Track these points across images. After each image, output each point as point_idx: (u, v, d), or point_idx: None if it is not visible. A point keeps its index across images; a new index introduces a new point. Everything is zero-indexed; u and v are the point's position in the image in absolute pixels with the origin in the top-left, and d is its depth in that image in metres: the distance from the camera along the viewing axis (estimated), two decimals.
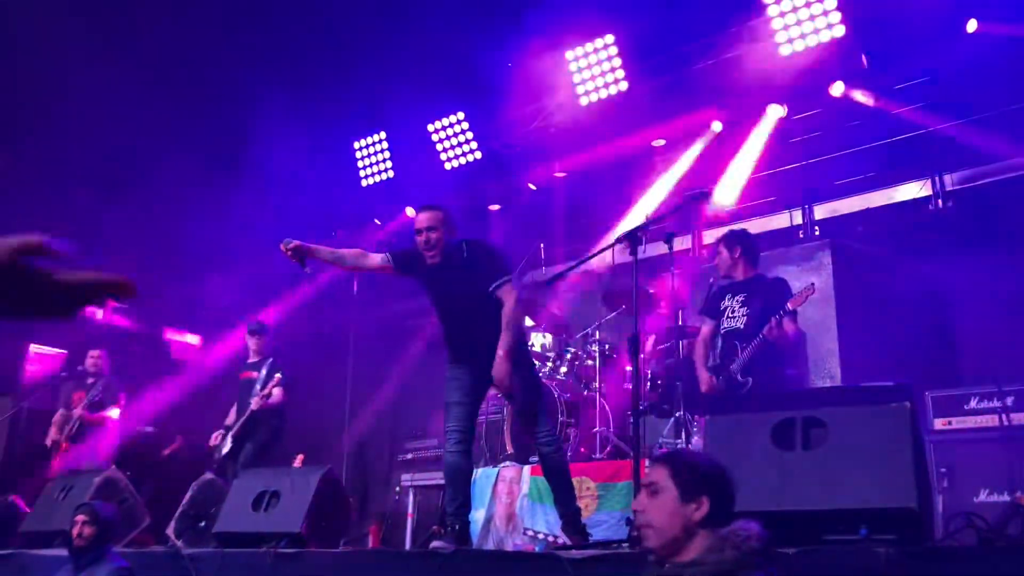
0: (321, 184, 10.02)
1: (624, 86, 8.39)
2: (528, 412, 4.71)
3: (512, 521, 6.24)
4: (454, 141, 9.58)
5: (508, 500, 6.34)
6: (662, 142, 8.81)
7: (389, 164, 10.11)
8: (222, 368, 7.70)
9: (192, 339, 9.33)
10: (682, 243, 8.63)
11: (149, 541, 6.16)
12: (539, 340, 7.48)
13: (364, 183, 10.24)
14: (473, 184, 9.72)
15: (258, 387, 6.90)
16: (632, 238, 4.55)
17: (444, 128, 9.60)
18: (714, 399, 5.38)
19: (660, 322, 7.49)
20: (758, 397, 5.05)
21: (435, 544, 4.37)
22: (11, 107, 8.93)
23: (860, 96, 7.75)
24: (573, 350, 7.30)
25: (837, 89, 7.79)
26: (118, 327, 10.68)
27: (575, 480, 4.98)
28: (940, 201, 7.42)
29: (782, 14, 7.40)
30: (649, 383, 6.87)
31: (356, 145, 10.27)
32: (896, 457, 3.27)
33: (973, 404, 5.72)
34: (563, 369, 7.18)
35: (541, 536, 5.93)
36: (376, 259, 4.87)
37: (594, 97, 8.53)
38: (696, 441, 6.13)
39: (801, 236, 8.15)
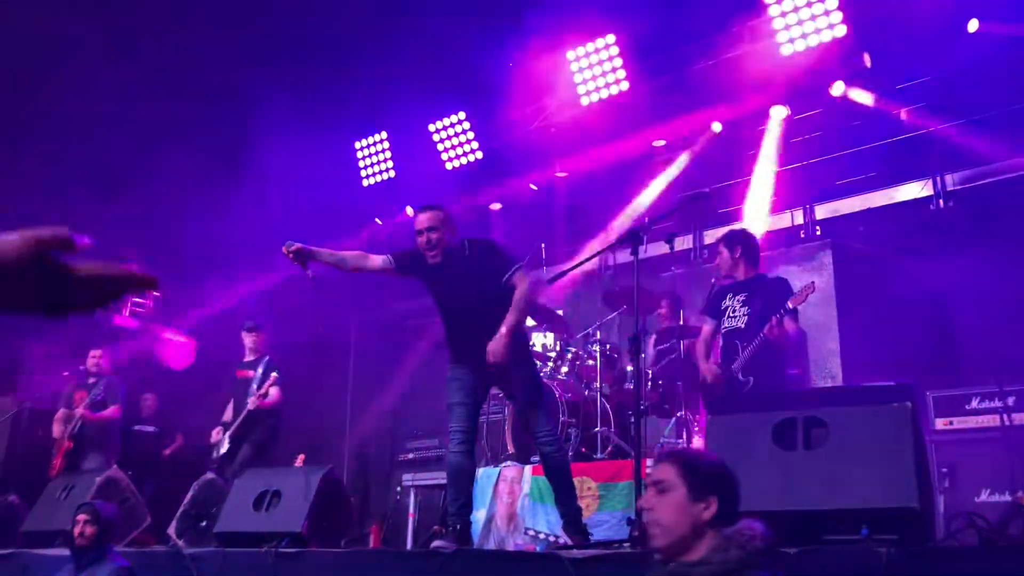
0: (322, 184, 10.03)
1: (625, 86, 8.39)
2: (529, 412, 4.70)
3: (513, 521, 6.24)
4: (455, 141, 9.59)
5: (509, 500, 6.34)
6: (662, 142, 8.81)
7: (390, 164, 10.12)
8: (221, 367, 7.68)
9: (180, 339, 9.31)
10: (683, 243, 8.65)
11: (150, 541, 6.17)
12: (540, 340, 7.48)
13: (365, 183, 10.25)
14: (474, 184, 9.72)
15: (254, 386, 6.88)
16: (633, 238, 4.55)
17: (445, 128, 9.60)
18: (715, 399, 5.38)
19: (661, 322, 7.50)
20: (759, 397, 5.05)
21: (436, 544, 4.37)
22: (11, 107, 8.94)
23: (861, 96, 7.75)
24: (574, 350, 7.30)
25: (838, 89, 7.79)
26: (118, 326, 10.70)
27: (576, 480, 4.98)
28: (941, 201, 7.42)
29: (783, 14, 7.40)
30: (650, 383, 6.87)
31: (357, 145, 10.28)
32: (897, 457, 3.27)
33: (974, 404, 5.73)
34: (564, 369, 7.18)
35: (542, 536, 5.93)
36: (377, 260, 4.86)
37: (595, 97, 8.54)
38: (697, 441, 6.13)
39: (802, 236, 8.15)
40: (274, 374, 6.84)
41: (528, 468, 6.33)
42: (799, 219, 8.23)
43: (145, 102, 8.98)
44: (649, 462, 5.28)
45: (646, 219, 7.14)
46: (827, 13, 7.27)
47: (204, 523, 5.93)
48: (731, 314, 5.52)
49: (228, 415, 7.03)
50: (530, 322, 7.42)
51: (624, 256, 8.71)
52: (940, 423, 5.81)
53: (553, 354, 7.32)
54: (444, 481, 5.21)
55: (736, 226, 6.41)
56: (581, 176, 9.39)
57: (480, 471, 6.38)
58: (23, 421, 8.85)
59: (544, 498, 5.98)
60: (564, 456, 4.94)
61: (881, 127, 7.73)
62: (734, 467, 2.44)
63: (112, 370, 8.04)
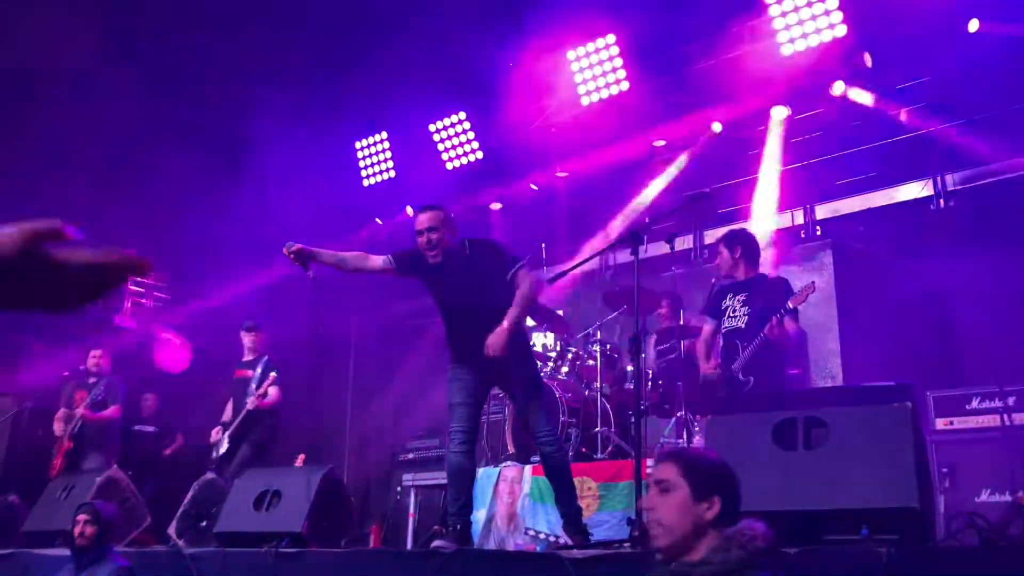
0: (322, 184, 10.03)
1: (625, 86, 8.39)
2: (530, 411, 4.70)
3: (513, 521, 6.24)
4: (455, 141, 9.60)
5: (509, 500, 6.34)
6: (663, 142, 8.81)
7: (390, 164, 10.12)
8: (221, 366, 7.68)
9: (177, 341, 9.31)
10: (684, 243, 8.65)
11: (150, 541, 6.16)
12: (540, 340, 7.48)
13: (365, 183, 10.25)
14: (474, 184, 9.72)
15: (253, 386, 6.87)
16: (634, 238, 4.55)
17: (445, 128, 9.61)
18: (715, 399, 5.38)
19: (661, 322, 7.50)
20: (759, 397, 5.05)
21: (436, 544, 4.37)
22: (12, 107, 8.93)
23: (861, 96, 7.75)
24: (574, 350, 7.30)
25: (838, 89, 7.79)
26: (118, 326, 10.69)
27: (576, 480, 4.98)
28: (942, 201, 7.42)
29: (783, 14, 7.40)
30: (650, 383, 6.87)
31: (357, 145, 10.28)
32: (897, 457, 3.27)
33: (975, 404, 5.73)
34: (564, 369, 7.18)
35: (542, 536, 5.93)
36: (378, 261, 4.86)
37: (595, 97, 8.54)
38: (697, 441, 6.13)
39: (803, 236, 8.15)
40: (273, 374, 6.83)
41: (528, 468, 6.33)
42: (799, 219, 8.23)
43: (146, 102, 8.98)
44: (649, 462, 5.28)
45: (646, 219, 7.13)
46: (827, 13, 7.27)
47: (204, 523, 5.93)
48: (731, 314, 5.52)
49: (227, 415, 7.03)
50: (530, 322, 7.42)
51: (624, 256, 8.71)
52: (940, 423, 5.81)
53: (553, 354, 7.32)
54: (444, 481, 5.21)
55: (736, 226, 6.41)
56: (581, 176, 9.38)
57: (480, 471, 6.37)
58: (23, 421, 8.84)
59: (544, 498, 5.98)
60: (565, 456, 4.94)
61: (881, 127, 7.73)
62: (734, 467, 2.44)
63: (112, 370, 8.04)
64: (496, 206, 9.97)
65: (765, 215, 8.13)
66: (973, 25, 6.86)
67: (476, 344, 4.66)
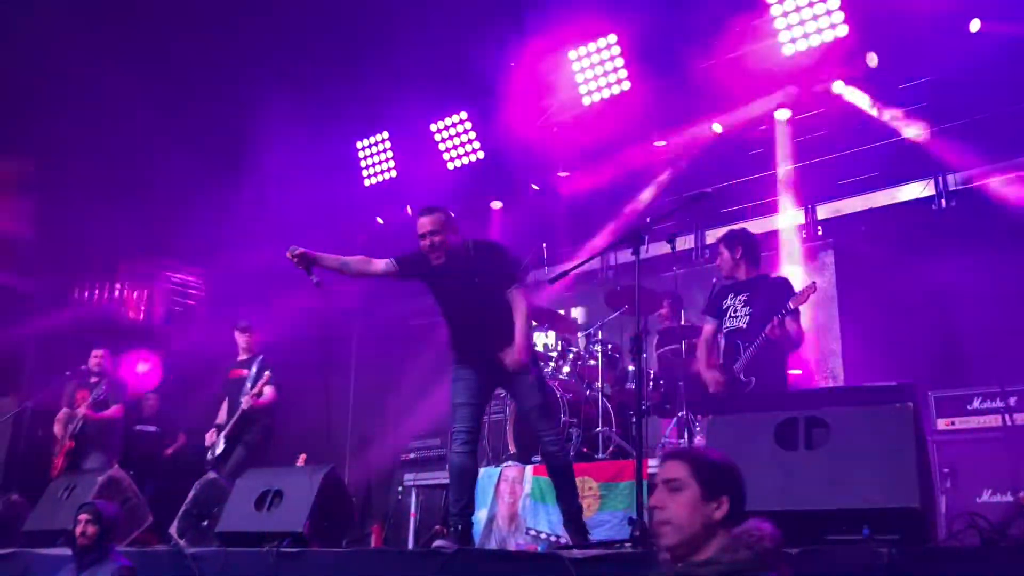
0: (323, 184, 10.03)
1: (627, 86, 8.39)
2: (534, 412, 4.70)
3: (515, 521, 6.24)
4: (456, 141, 9.59)
5: (511, 500, 6.34)
6: (664, 142, 8.80)
7: (392, 164, 10.12)
8: (219, 366, 7.69)
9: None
10: (685, 243, 8.65)
11: (152, 540, 6.16)
12: (541, 340, 7.49)
13: (367, 183, 10.25)
14: (475, 184, 9.72)
15: (248, 385, 6.86)
16: (635, 238, 4.55)
17: (447, 128, 9.61)
18: (716, 399, 5.38)
19: (662, 322, 7.50)
20: (761, 397, 5.05)
21: (437, 544, 4.37)
22: (11, 107, 8.95)
23: (856, 97, 7.74)
24: (575, 350, 7.31)
25: (839, 89, 7.78)
26: (119, 326, 10.71)
27: (577, 480, 4.98)
28: (943, 201, 7.41)
29: (785, 14, 7.40)
30: (651, 383, 6.87)
31: (359, 145, 10.28)
32: (899, 457, 3.27)
33: (976, 404, 5.73)
34: (566, 369, 7.18)
35: (544, 536, 5.93)
36: (380, 265, 4.87)
37: (596, 97, 8.53)
38: (699, 441, 6.13)
39: (804, 236, 8.15)
40: (267, 373, 6.82)
41: (529, 468, 6.33)
42: (801, 219, 8.22)
43: (146, 103, 8.99)
44: (651, 462, 5.29)
45: (647, 219, 7.11)
46: (828, 13, 7.26)
47: (206, 523, 5.93)
48: (733, 314, 5.51)
49: (222, 417, 7.01)
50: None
51: (625, 256, 8.71)
52: (942, 423, 5.81)
53: (555, 354, 7.32)
54: (446, 481, 5.21)
55: (736, 226, 6.40)
56: (583, 176, 9.38)
57: (481, 471, 6.38)
58: (25, 421, 8.86)
59: (545, 498, 5.98)
60: (568, 456, 4.95)
61: (883, 127, 7.72)
62: None
63: (114, 370, 8.05)
64: (497, 205, 9.96)
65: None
66: (974, 25, 6.85)
67: (479, 345, 4.67)
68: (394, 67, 9.02)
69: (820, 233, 8.14)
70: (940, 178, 7.49)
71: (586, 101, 8.60)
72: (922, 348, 6.80)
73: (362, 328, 10.71)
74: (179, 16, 8.88)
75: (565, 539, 4.87)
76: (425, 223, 4.66)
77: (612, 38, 8.38)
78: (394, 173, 10.10)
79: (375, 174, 10.20)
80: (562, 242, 9.45)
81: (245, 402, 6.75)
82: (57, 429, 7.73)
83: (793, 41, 7.43)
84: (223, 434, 6.82)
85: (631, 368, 6.95)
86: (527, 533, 6.10)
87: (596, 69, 8.47)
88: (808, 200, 8.19)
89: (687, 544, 2.28)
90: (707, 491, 2.29)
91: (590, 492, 5.82)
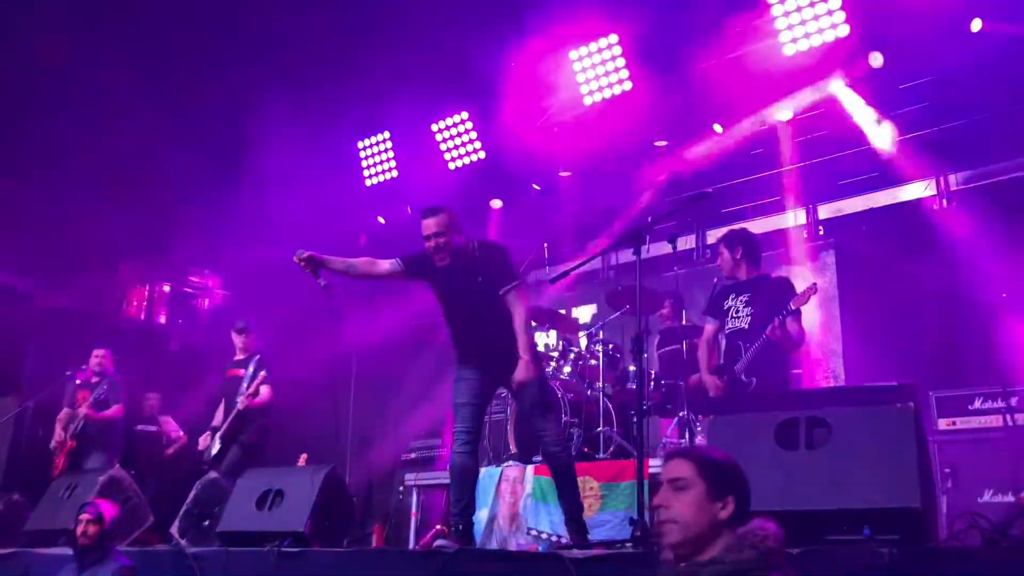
0: (324, 184, 10.03)
1: (628, 86, 8.38)
2: (536, 413, 4.70)
3: (515, 521, 6.24)
4: (458, 141, 9.59)
5: (512, 500, 6.34)
6: (664, 142, 8.80)
7: (393, 164, 10.11)
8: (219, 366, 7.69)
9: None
10: (686, 243, 8.65)
11: (153, 540, 6.17)
12: (542, 340, 7.49)
13: (368, 183, 10.25)
14: (477, 184, 9.72)
15: (244, 385, 6.86)
16: (636, 238, 4.55)
17: (448, 128, 9.61)
18: (718, 399, 5.38)
19: (663, 322, 7.49)
20: (762, 397, 5.04)
21: (438, 543, 4.37)
22: (10, 106, 8.94)
23: (850, 99, 7.73)
24: (576, 350, 7.31)
25: (841, 88, 7.77)
26: (118, 325, 10.71)
27: (578, 480, 4.98)
28: (944, 201, 7.41)
29: (786, 13, 7.39)
30: (653, 383, 6.87)
31: (360, 145, 10.28)
32: (900, 457, 3.27)
33: (977, 404, 5.73)
34: (567, 369, 7.18)
35: (545, 536, 5.93)
36: (385, 265, 4.89)
37: (598, 97, 8.53)
38: (700, 441, 6.13)
39: (805, 236, 8.15)
40: (262, 373, 6.82)
41: (530, 468, 6.33)
42: (802, 219, 8.22)
43: (147, 103, 8.99)
44: (652, 462, 5.30)
45: (648, 219, 7.12)
46: (830, 13, 7.26)
47: (207, 522, 5.93)
48: (734, 315, 5.51)
49: (218, 419, 7.00)
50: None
51: (626, 256, 8.71)
52: (943, 423, 5.81)
53: (556, 353, 7.33)
54: (447, 481, 5.21)
55: (736, 226, 6.40)
56: (584, 176, 9.38)
57: (482, 471, 6.38)
58: (26, 421, 8.86)
59: (547, 498, 5.98)
60: (570, 456, 4.95)
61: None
62: None
63: (115, 370, 8.05)
64: (497, 204, 9.96)
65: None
66: (976, 25, 6.84)
67: (482, 345, 4.68)
68: (395, 67, 9.01)
69: (821, 233, 8.14)
70: (941, 178, 7.49)
71: (587, 101, 8.60)
72: (923, 348, 6.81)
73: (363, 328, 10.68)
74: (179, 16, 8.87)
75: (566, 539, 4.87)
76: (430, 224, 4.67)
77: (613, 38, 8.38)
78: (395, 173, 10.09)
79: (376, 174, 10.20)
80: (563, 242, 9.45)
81: (241, 402, 6.75)
82: (57, 429, 7.73)
83: (794, 41, 7.43)
84: (219, 434, 6.82)
85: (632, 368, 6.95)
86: (528, 533, 6.10)
87: (597, 69, 8.47)
88: (809, 200, 8.19)
89: (691, 543, 2.27)
90: (713, 490, 2.28)
91: (591, 492, 5.82)
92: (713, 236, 8.28)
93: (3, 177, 9.12)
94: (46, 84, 8.99)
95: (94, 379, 7.87)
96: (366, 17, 9.07)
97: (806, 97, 7.93)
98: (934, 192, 7.49)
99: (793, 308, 5.16)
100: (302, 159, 9.71)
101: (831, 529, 3.28)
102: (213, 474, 6.42)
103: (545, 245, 9.47)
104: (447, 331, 4.89)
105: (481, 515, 6.20)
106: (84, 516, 4.89)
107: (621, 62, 8.38)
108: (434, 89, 9.28)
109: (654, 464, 5.28)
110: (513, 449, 6.94)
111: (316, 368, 9.71)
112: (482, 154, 9.52)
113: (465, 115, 9.51)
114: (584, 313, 9.38)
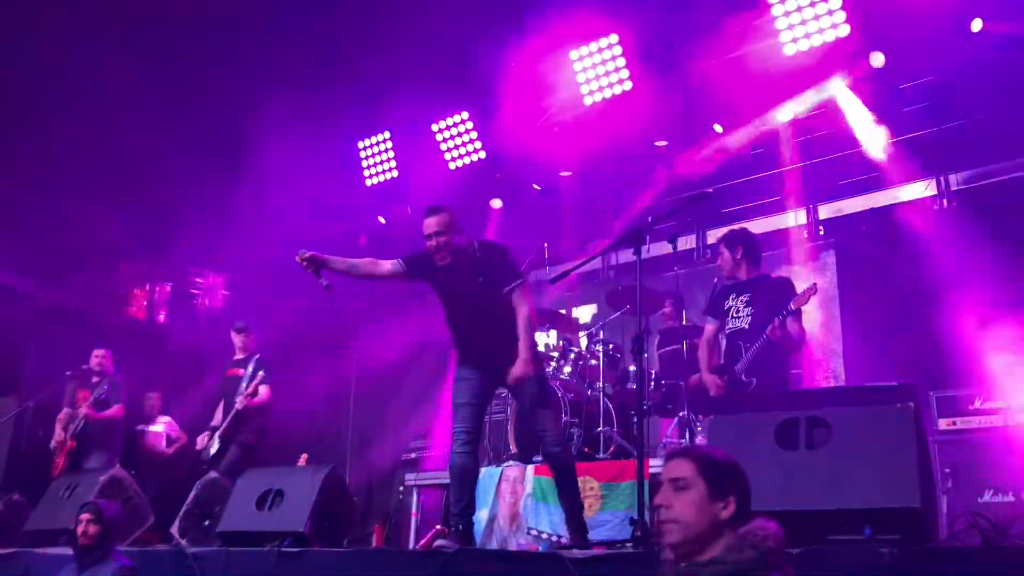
0: (325, 184, 10.03)
1: (628, 86, 8.38)
2: (537, 413, 4.71)
3: (516, 521, 6.24)
4: (458, 141, 9.59)
5: (512, 500, 6.34)
6: (665, 142, 8.79)
7: (393, 164, 10.11)
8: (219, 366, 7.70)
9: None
10: (686, 243, 8.65)
11: (153, 540, 6.17)
12: (543, 339, 7.49)
13: (368, 183, 10.25)
14: (477, 184, 9.71)
15: (243, 385, 6.86)
16: (636, 238, 4.55)
17: (448, 128, 9.60)
18: (718, 399, 5.38)
19: (664, 322, 7.49)
20: (762, 397, 5.04)
21: (438, 543, 4.37)
22: (10, 106, 8.94)
23: (848, 100, 7.73)
24: (577, 349, 7.31)
25: (837, 87, 7.77)
26: (118, 325, 10.71)
27: (579, 480, 4.98)
28: (945, 201, 7.41)
29: (786, 13, 7.39)
30: (653, 383, 6.87)
31: (360, 145, 10.28)
32: (900, 457, 3.27)
33: (977, 404, 5.72)
34: (567, 369, 7.18)
35: (545, 536, 5.93)
36: (386, 266, 4.91)
37: (598, 97, 8.52)
38: (700, 441, 6.13)
39: (805, 236, 8.14)
40: (260, 373, 6.82)
41: (531, 468, 6.33)
42: (802, 219, 8.22)
43: (147, 103, 8.98)
44: (652, 462, 5.30)
45: (649, 218, 7.12)
46: (830, 13, 7.25)
47: (207, 522, 5.93)
48: (734, 315, 5.51)
49: (217, 419, 7.00)
50: None
51: (627, 256, 8.70)
52: (943, 423, 5.81)
53: (556, 353, 7.32)
54: (447, 481, 5.22)
55: (737, 226, 6.40)
56: (584, 176, 9.38)
57: (482, 471, 6.38)
58: (26, 420, 8.86)
59: (547, 498, 5.98)
60: (570, 456, 4.96)
61: (885, 126, 7.70)
62: None
63: (115, 370, 8.05)
64: (497, 204, 9.95)
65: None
66: (976, 25, 6.84)
67: (483, 345, 4.68)
68: (395, 67, 9.01)
69: (822, 233, 8.13)
70: (942, 178, 7.48)
71: (587, 101, 8.59)
72: (923, 348, 6.80)
73: (363, 327, 10.68)
74: (180, 15, 8.87)
75: (566, 539, 4.87)
76: (431, 223, 4.68)
77: (613, 38, 8.37)
78: (395, 173, 10.09)
79: (376, 174, 10.20)
80: (563, 242, 9.44)
81: (239, 402, 6.75)
82: (57, 430, 7.73)
83: (794, 41, 7.42)
84: (218, 434, 6.82)
85: (632, 368, 6.95)
86: (528, 533, 6.10)
87: (597, 69, 8.46)
88: (809, 200, 8.19)
89: (692, 542, 2.27)
90: (714, 490, 2.28)
91: (591, 492, 5.82)
92: (713, 236, 8.27)
93: (3, 177, 9.11)
94: (46, 84, 8.98)
95: (94, 379, 7.87)
96: (366, 17, 9.07)
97: (808, 98, 7.92)
98: (934, 192, 7.49)
99: (793, 308, 5.16)
100: (302, 159, 9.71)
101: (831, 529, 3.28)
102: (213, 474, 6.42)
103: (545, 245, 9.46)
104: (448, 331, 4.89)
105: (481, 515, 6.20)
106: (84, 516, 4.89)
107: (621, 62, 8.38)
108: (434, 89, 9.28)
109: (654, 464, 5.28)
110: (513, 449, 6.94)
111: (317, 367, 9.72)
112: (482, 154, 9.52)
113: (465, 115, 9.51)
114: (584, 313, 9.38)
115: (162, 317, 11.85)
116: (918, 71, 7.49)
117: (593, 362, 7.09)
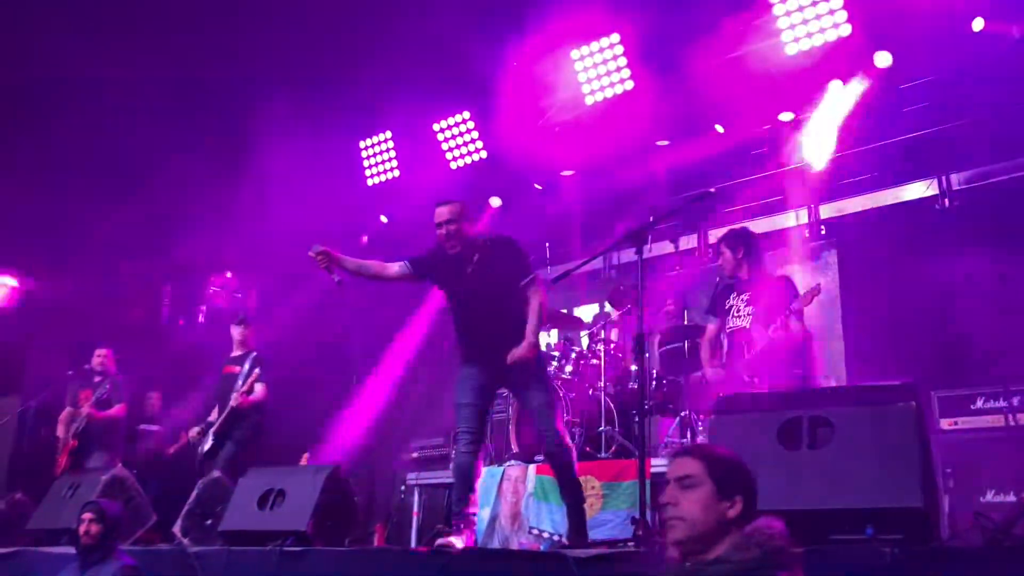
0: (326, 183, 10.03)
1: (629, 85, 8.37)
2: (540, 412, 4.71)
3: (517, 520, 6.24)
4: (459, 140, 9.58)
5: (514, 499, 6.34)
6: (666, 142, 8.79)
7: (395, 163, 10.11)
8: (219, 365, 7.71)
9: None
10: (687, 242, 8.65)
11: (155, 539, 6.17)
12: (544, 339, 7.49)
13: (369, 182, 10.25)
14: (478, 183, 9.71)
15: (239, 382, 6.86)
16: (637, 237, 4.55)
17: (449, 127, 9.60)
18: (719, 399, 5.38)
19: (666, 321, 7.49)
20: (764, 396, 5.04)
21: (440, 542, 4.38)
22: (10, 106, 8.94)
23: (846, 101, 7.73)
24: (578, 349, 7.31)
25: (842, 88, 7.76)
26: (119, 325, 10.71)
27: (580, 479, 4.98)
28: (947, 200, 7.41)
29: (788, 13, 7.38)
30: (654, 382, 6.87)
31: (361, 144, 10.28)
32: (902, 457, 3.27)
33: (979, 404, 5.73)
34: (568, 368, 7.18)
35: (547, 535, 5.94)
36: (394, 268, 4.95)
37: (599, 96, 8.51)
38: (701, 440, 6.13)
39: (807, 235, 8.14)
40: (256, 371, 6.82)
41: (532, 467, 6.33)
42: (803, 218, 8.22)
43: (148, 103, 8.98)
44: (653, 461, 5.30)
45: (650, 218, 7.12)
46: (832, 12, 7.25)
47: (209, 522, 5.93)
48: (736, 314, 5.52)
49: (214, 414, 7.00)
50: None
51: (628, 255, 8.70)
52: (945, 423, 5.81)
53: (557, 353, 7.33)
54: (449, 480, 5.22)
55: (737, 225, 6.40)
56: (585, 175, 9.38)
57: (484, 470, 6.38)
58: (28, 420, 8.87)
59: (549, 497, 5.99)
60: (572, 455, 4.96)
61: (886, 126, 7.70)
62: None
63: (117, 369, 8.06)
64: (496, 202, 9.95)
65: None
66: (978, 24, 6.84)
67: (488, 343, 4.69)
68: (396, 67, 9.00)
69: (823, 232, 8.13)
70: (944, 178, 7.48)
71: (588, 101, 8.59)
72: (925, 348, 6.80)
73: (365, 327, 10.68)
74: (180, 15, 8.87)
75: (568, 538, 4.87)
76: (443, 212, 4.75)
77: (615, 37, 8.36)
78: (397, 173, 10.09)
79: (378, 173, 10.20)
80: (565, 242, 9.44)
81: (235, 399, 6.75)
82: (59, 430, 7.74)
83: (796, 40, 7.42)
84: (213, 430, 6.82)
85: (634, 367, 6.95)
86: (530, 532, 6.10)
87: (599, 68, 8.45)
88: (811, 199, 8.18)
89: (697, 541, 2.26)
90: (721, 489, 2.27)
91: (593, 491, 5.82)
92: (715, 235, 8.27)
93: (3, 177, 9.11)
94: (46, 84, 8.98)
95: (96, 378, 7.88)
96: (367, 17, 9.07)
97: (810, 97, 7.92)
98: (936, 192, 7.49)
99: (796, 309, 5.17)
100: (304, 159, 9.70)
101: (833, 528, 3.28)
102: (216, 473, 6.42)
103: (547, 245, 9.46)
104: (453, 329, 4.90)
105: (483, 514, 6.20)
106: (87, 515, 4.89)
107: (623, 61, 8.37)
108: (435, 89, 9.27)
109: (656, 463, 5.28)
110: (515, 448, 6.95)
111: (319, 366, 9.72)
112: (483, 154, 9.51)
113: (466, 115, 9.50)
114: (586, 313, 9.38)
115: (163, 317, 11.85)
116: (919, 71, 7.49)
117: (594, 361, 7.09)
